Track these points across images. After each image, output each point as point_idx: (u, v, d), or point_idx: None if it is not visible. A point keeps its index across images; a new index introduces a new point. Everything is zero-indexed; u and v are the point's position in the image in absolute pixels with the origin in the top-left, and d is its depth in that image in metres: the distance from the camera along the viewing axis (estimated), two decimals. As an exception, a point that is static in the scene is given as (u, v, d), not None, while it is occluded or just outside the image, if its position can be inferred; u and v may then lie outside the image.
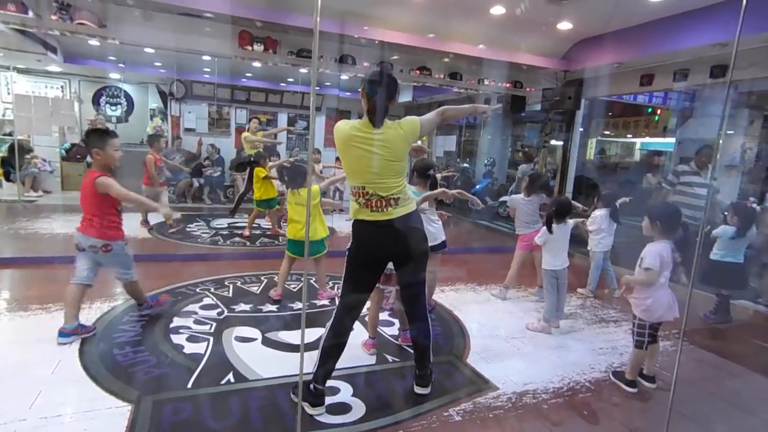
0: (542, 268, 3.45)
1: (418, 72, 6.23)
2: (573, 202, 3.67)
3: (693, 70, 5.04)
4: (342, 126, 2.12)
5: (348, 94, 9.32)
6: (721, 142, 4.83)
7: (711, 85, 5.03)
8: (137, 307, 3.17)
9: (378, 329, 3.02)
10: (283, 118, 9.75)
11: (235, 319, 3.22)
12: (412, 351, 2.57)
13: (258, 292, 3.78)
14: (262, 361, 2.65)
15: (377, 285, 2.65)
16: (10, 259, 4.24)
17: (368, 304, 2.80)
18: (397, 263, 2.29)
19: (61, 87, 8.73)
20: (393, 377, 2.59)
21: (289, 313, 3.41)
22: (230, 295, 3.68)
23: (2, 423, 1.94)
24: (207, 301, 3.51)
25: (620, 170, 10.78)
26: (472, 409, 2.32)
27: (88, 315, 3.06)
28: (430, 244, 2.59)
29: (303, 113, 9.86)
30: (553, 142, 7.80)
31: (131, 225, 5.42)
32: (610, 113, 9.97)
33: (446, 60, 6.20)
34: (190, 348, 2.74)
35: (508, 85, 6.80)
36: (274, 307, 3.48)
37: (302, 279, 4.15)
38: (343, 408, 2.24)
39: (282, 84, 9.13)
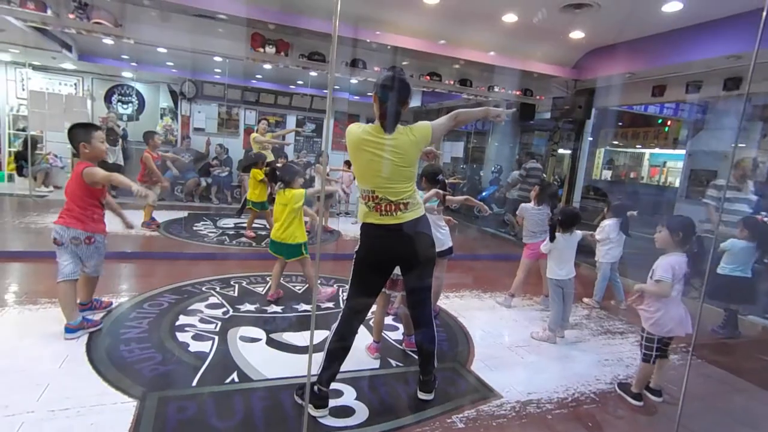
0: (548, 278, 3.43)
1: (428, 78, 6.24)
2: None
3: (706, 82, 5.01)
4: (354, 129, 2.12)
5: (357, 98, 9.35)
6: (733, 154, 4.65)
7: (724, 98, 4.99)
8: (79, 305, 2.93)
9: (382, 333, 3.02)
10: (291, 120, 9.81)
11: (240, 318, 3.23)
12: (416, 356, 2.56)
13: (263, 292, 3.79)
14: (267, 361, 2.66)
15: (383, 290, 2.66)
16: (21, 253, 4.30)
17: (374, 308, 2.81)
18: (405, 268, 2.29)
19: (75, 84, 8.86)
20: (396, 382, 2.59)
21: (294, 314, 3.42)
22: (236, 294, 3.70)
23: (11, 415, 1.96)
24: (212, 300, 3.53)
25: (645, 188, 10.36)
26: (476, 416, 2.31)
27: (94, 312, 3.08)
28: (437, 250, 2.59)
29: (312, 116, 9.92)
30: (561, 150, 7.78)
31: (134, 222, 5.47)
32: (620, 123, 9.93)
33: (457, 66, 6.21)
34: (195, 346, 2.75)
35: (518, 92, 6.79)
36: (279, 308, 3.49)
37: (306, 281, 4.18)
38: (346, 411, 2.24)
39: (291, 86, 9.19)
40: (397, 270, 2.34)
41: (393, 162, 2.06)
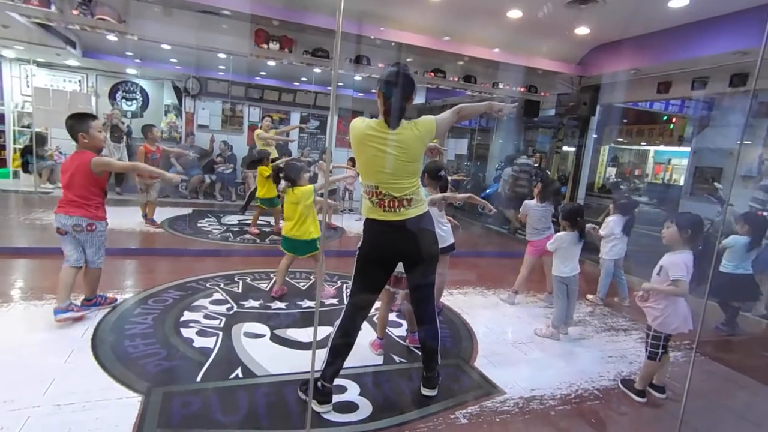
0: (553, 275, 3.42)
1: (432, 74, 6.23)
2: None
3: (712, 79, 4.97)
4: (358, 124, 2.10)
5: (361, 94, 9.34)
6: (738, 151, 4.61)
7: (730, 94, 4.94)
8: (84, 301, 3.02)
9: (386, 330, 3.02)
10: (295, 117, 9.80)
11: (245, 315, 3.24)
12: (419, 352, 2.56)
13: (267, 289, 3.80)
14: (271, 357, 2.67)
15: (387, 287, 2.66)
16: (26, 249, 4.32)
17: (378, 304, 2.81)
18: (408, 264, 2.28)
19: (79, 81, 8.87)
20: (400, 378, 2.59)
21: (298, 310, 3.43)
22: (240, 291, 3.71)
23: (17, 409, 1.98)
24: (217, 296, 3.54)
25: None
26: (479, 412, 2.31)
27: (99, 308, 3.10)
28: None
29: (316, 112, 9.92)
30: (565, 147, 7.75)
31: (135, 220, 5.52)
32: (625, 120, 9.87)
33: (461, 63, 6.19)
34: (199, 342, 2.77)
35: (522, 89, 6.76)
36: (282, 305, 3.50)
37: (310, 277, 4.19)
38: (349, 407, 2.24)
39: (295, 83, 9.20)
40: (401, 267, 2.34)
41: (397, 157, 2.04)
